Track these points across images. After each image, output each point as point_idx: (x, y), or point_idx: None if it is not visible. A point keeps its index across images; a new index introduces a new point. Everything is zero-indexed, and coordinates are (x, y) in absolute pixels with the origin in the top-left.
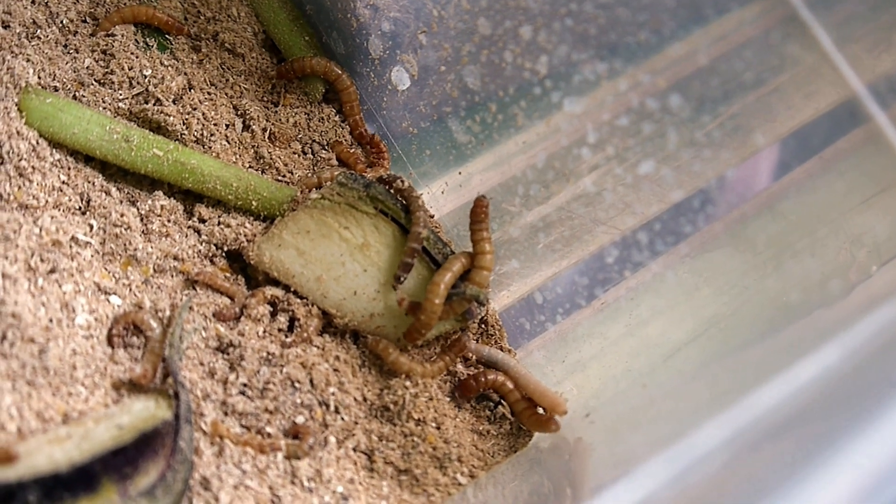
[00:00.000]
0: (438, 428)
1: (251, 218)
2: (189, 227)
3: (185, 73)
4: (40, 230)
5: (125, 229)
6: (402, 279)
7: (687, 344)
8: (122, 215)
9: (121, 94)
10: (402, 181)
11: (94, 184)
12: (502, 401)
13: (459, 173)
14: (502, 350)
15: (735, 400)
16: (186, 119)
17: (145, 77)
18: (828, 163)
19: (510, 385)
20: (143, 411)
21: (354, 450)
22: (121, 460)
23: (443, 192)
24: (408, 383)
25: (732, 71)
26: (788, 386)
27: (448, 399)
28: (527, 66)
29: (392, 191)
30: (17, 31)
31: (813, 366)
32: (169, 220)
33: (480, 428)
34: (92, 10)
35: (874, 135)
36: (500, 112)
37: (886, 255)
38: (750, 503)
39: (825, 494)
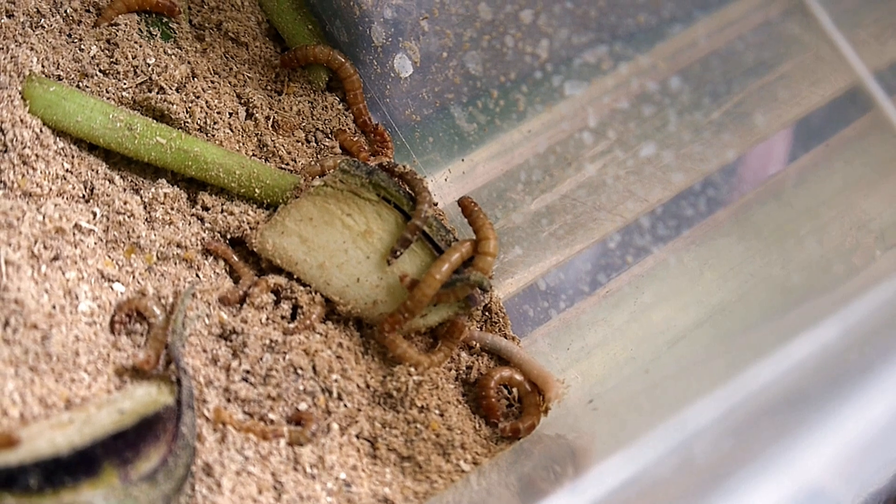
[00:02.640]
0: (442, 415)
1: (254, 206)
2: (192, 214)
3: (189, 62)
4: (43, 217)
5: (128, 217)
6: (398, 254)
7: (692, 331)
8: (125, 203)
9: (124, 84)
10: (404, 166)
11: (97, 172)
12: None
13: (462, 160)
14: (506, 338)
15: (732, 377)
16: (189, 107)
17: (149, 66)
18: (834, 150)
19: (518, 377)
20: (145, 396)
21: (357, 437)
22: (122, 444)
23: (446, 180)
24: (411, 370)
25: (737, 57)
26: (786, 362)
27: (452, 386)
28: (528, 51)
29: (394, 177)
30: (21, 20)
31: (810, 343)
32: (172, 208)
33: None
34: (96, 0)
35: (880, 122)
36: (501, 97)
37: (891, 240)
38: (746, 472)
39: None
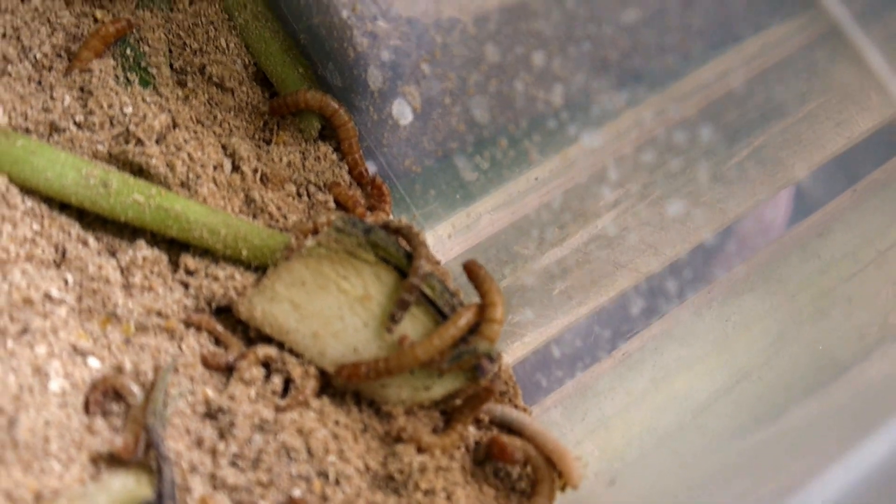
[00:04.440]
0: (449, 498)
1: (241, 268)
2: (175, 279)
3: (169, 111)
4: (10, 287)
5: (104, 284)
6: (397, 318)
7: (717, 399)
8: (100, 268)
9: (99, 136)
10: (400, 220)
11: (69, 234)
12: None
13: (468, 214)
14: (517, 408)
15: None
16: (170, 160)
17: (125, 115)
18: (862, 196)
19: (532, 451)
20: (122, 490)
21: None
22: None
23: (450, 237)
24: (415, 450)
25: (761, 97)
26: (854, 468)
27: (459, 465)
28: (540, 97)
29: (391, 233)
30: None
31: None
32: (152, 272)
33: (496, 497)
34: (68, 45)
35: None
36: (511, 147)
37: None
38: None
39: None
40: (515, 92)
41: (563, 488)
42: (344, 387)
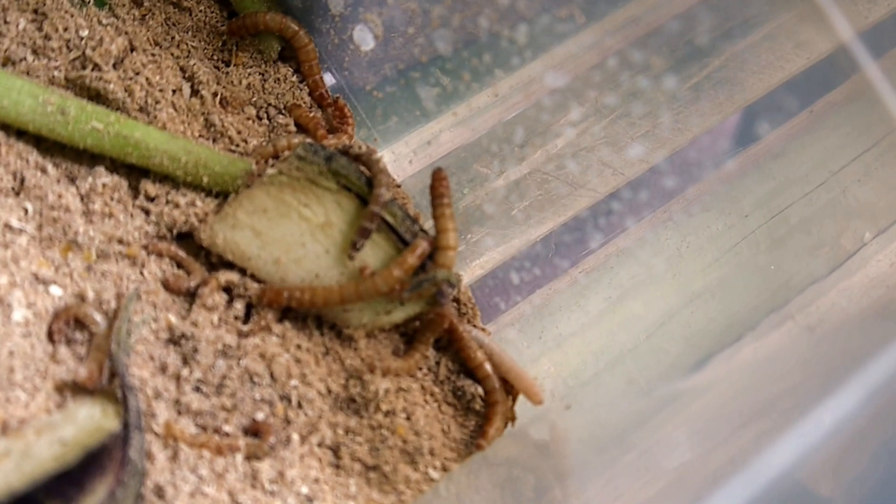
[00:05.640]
0: (409, 418)
1: (202, 194)
2: (135, 206)
3: (126, 33)
4: None
5: (64, 211)
6: (359, 245)
7: (671, 317)
8: (59, 196)
9: (56, 61)
10: (360, 146)
11: (27, 161)
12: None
13: (427, 132)
14: (476, 329)
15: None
16: (128, 85)
17: (82, 39)
18: (818, 117)
19: (488, 369)
20: (88, 421)
21: (319, 445)
22: (65, 483)
23: (410, 163)
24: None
25: (718, 19)
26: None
27: (418, 385)
28: (504, 34)
29: (352, 159)
30: None
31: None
32: (112, 199)
33: (454, 416)
34: None
35: (865, 87)
36: (474, 81)
37: (882, 221)
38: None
39: None
40: (479, 28)
41: (512, 421)
42: (306, 311)
